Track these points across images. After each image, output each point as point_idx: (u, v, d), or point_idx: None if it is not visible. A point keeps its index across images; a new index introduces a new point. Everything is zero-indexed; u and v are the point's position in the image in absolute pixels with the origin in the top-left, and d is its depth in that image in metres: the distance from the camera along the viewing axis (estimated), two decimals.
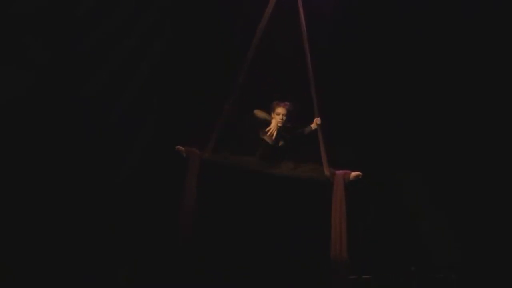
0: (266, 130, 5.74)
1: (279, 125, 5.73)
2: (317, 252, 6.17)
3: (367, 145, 6.84)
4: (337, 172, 5.71)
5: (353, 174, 5.71)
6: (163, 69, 6.68)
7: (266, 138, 5.78)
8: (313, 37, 5.64)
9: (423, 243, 6.79)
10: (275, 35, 5.88)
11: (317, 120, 5.70)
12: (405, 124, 6.89)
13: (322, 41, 6.02)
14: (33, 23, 6.00)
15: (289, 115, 5.75)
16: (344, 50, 6.78)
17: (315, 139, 5.72)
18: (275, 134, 5.73)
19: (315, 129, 5.73)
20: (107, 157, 6.36)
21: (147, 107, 6.59)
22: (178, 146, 5.72)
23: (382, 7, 6.77)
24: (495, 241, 6.60)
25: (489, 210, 6.68)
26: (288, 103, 5.77)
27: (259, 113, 5.79)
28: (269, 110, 5.79)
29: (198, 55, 6.74)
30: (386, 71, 6.91)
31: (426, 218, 6.88)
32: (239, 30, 6.53)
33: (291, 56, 6.00)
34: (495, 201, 6.69)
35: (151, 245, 6.30)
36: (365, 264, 6.25)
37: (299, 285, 6.47)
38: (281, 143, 5.81)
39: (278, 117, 5.73)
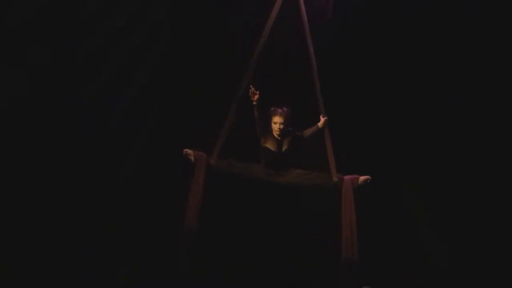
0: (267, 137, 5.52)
1: (277, 133, 5.47)
2: (320, 254, 6.20)
3: (366, 149, 6.82)
4: (346, 177, 5.50)
5: (362, 178, 5.51)
6: (163, 70, 6.68)
7: (268, 145, 5.52)
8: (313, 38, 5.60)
9: (424, 246, 6.80)
10: (277, 36, 5.79)
11: (326, 120, 5.49)
12: (407, 127, 6.87)
13: (322, 42, 5.99)
14: (33, 23, 6.00)
15: (287, 121, 5.46)
16: (344, 51, 6.79)
17: (320, 145, 5.52)
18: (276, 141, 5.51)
19: (321, 131, 5.52)
20: (107, 157, 6.36)
21: (147, 107, 6.60)
22: (186, 150, 5.50)
23: (382, 8, 6.77)
24: (495, 243, 6.61)
25: (490, 212, 6.69)
26: (285, 110, 5.48)
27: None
28: (267, 117, 5.50)
29: (199, 55, 6.74)
30: (384, 73, 6.91)
31: (427, 220, 6.89)
32: (240, 30, 6.53)
33: (292, 56, 5.97)
34: (496, 204, 6.69)
35: (151, 245, 6.31)
36: (367, 268, 6.27)
37: (299, 285, 6.49)
38: (284, 148, 5.53)
39: (275, 126, 5.46)
